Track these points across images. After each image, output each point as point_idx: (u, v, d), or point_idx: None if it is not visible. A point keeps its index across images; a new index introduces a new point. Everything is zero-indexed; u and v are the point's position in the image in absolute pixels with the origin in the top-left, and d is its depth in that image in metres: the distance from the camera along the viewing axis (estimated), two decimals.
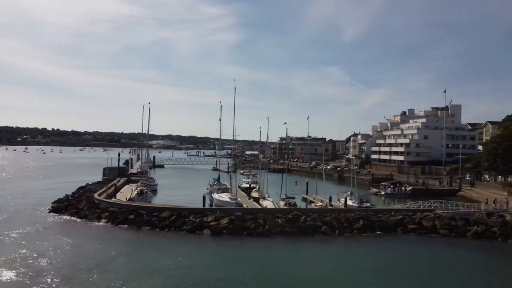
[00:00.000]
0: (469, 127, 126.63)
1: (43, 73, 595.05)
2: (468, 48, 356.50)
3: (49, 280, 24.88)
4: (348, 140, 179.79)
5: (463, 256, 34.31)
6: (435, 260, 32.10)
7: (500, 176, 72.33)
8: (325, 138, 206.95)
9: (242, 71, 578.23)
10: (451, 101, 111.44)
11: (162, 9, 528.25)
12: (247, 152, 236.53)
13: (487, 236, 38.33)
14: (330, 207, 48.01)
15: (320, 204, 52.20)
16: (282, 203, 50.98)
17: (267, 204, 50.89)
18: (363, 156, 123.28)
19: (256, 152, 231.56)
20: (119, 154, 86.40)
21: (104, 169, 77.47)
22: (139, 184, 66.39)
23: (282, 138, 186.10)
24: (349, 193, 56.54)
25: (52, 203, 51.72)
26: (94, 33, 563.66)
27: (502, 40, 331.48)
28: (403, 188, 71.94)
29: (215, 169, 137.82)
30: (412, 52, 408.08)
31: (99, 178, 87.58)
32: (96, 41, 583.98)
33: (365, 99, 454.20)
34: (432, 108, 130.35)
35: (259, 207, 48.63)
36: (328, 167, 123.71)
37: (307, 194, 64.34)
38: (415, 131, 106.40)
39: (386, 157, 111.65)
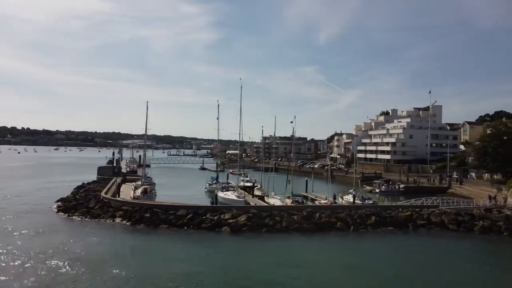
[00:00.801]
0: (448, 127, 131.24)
1: (13, 70, 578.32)
2: (439, 50, 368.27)
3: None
4: (330, 139, 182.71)
5: (475, 249, 36.01)
6: (449, 254, 33.58)
7: (486, 174, 75.54)
8: (306, 138, 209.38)
9: (218, 70, 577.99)
10: (435, 101, 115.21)
11: (139, 6, 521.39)
12: (229, 152, 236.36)
13: (494, 230, 40.22)
14: (334, 205, 49.12)
15: (325, 201, 53.30)
16: (289, 201, 51.91)
17: (274, 202, 51.65)
18: (349, 155, 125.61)
19: (237, 152, 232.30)
20: (113, 154, 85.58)
21: (99, 168, 76.44)
22: (139, 183, 66.16)
23: (265, 138, 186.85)
24: (351, 190, 57.85)
25: (57, 202, 51.16)
26: (68, 30, 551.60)
27: (470, 44, 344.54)
28: (396, 186, 74.09)
29: (202, 168, 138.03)
30: (385, 53, 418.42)
31: (90, 177, 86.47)
32: (70, 38, 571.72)
33: (340, 99, 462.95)
34: (414, 108, 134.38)
35: (267, 204, 49.31)
36: (316, 166, 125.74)
37: (306, 192, 65.54)
38: (400, 131, 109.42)
39: (373, 156, 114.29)
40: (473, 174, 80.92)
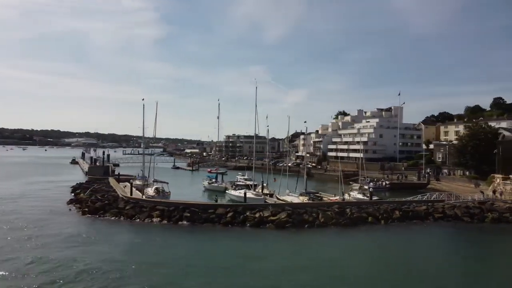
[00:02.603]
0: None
1: None
2: (380, 53, 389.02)
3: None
4: (292, 138, 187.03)
5: (493, 238, 40.55)
6: (473, 242, 38.37)
7: (459, 171, 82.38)
8: (257, 135, 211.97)
9: (165, 67, 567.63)
10: (403, 103, 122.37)
11: None
12: (187, 150, 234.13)
13: (503, 221, 44.99)
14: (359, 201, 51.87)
15: (335, 198, 55.89)
16: (305, 198, 53.87)
17: (292, 199, 53.39)
18: (320, 153, 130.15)
19: (197, 150, 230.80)
20: (103, 153, 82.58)
21: (90, 168, 74.09)
22: (137, 182, 65.25)
23: (228, 136, 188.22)
24: (356, 187, 61.05)
25: (71, 203, 49.67)
26: (1, 19, 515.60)
27: (411, 47, 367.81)
28: (383, 183, 78.63)
29: (175, 168, 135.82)
30: (329, 55, 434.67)
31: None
32: (2, 28, 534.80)
33: (286, 99, 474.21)
34: (378, 109, 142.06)
35: (287, 202, 50.97)
36: (290, 164, 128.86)
37: (305, 189, 67.83)
38: (371, 130, 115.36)
39: (344, 154, 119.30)
40: (445, 171, 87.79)
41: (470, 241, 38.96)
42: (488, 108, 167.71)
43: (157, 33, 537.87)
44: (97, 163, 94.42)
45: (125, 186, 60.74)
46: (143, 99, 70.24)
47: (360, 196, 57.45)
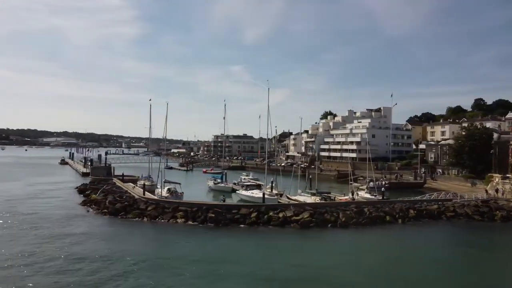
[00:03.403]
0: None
1: None
2: (356, 54, 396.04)
3: None
4: (281, 138, 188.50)
5: (506, 236, 42.37)
6: (488, 240, 39.87)
7: (454, 170, 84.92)
8: (252, 136, 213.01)
9: (145, 66, 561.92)
10: (395, 104, 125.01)
11: None
12: (174, 150, 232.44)
13: None
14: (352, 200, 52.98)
15: (345, 198, 57.02)
16: (317, 198, 54.77)
17: (304, 199, 54.19)
18: (312, 153, 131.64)
19: (183, 150, 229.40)
20: (106, 153, 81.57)
21: (92, 168, 73.10)
22: (142, 182, 65.16)
23: (217, 136, 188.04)
24: (363, 186, 62.32)
25: (86, 205, 49.32)
26: None
27: (382, 48, 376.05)
28: (383, 182, 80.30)
29: (169, 168, 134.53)
30: (308, 55, 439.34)
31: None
32: None
33: (266, 98, 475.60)
34: (367, 109, 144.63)
35: (300, 202, 51.80)
36: (283, 164, 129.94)
37: (310, 189, 68.87)
38: (364, 131, 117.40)
39: (337, 154, 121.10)
40: (440, 171, 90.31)
41: (484, 239, 40.48)
42: (470, 109, 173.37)
43: (137, 31, 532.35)
44: (92, 164, 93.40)
45: (134, 187, 60.51)
46: (150, 100, 70.47)
47: (368, 195, 58.82)
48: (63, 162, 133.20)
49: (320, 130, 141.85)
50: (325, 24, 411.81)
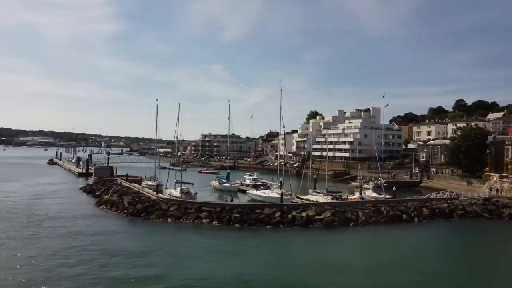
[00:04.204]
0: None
1: None
2: (335, 54, 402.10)
3: None
4: (269, 138, 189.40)
5: None
6: (501, 236, 42.13)
7: (447, 169, 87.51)
8: (239, 136, 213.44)
9: (122, 64, 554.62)
10: (387, 105, 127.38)
11: None
12: (160, 150, 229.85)
13: None
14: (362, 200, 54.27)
15: (355, 197, 58.21)
16: (328, 197, 55.74)
17: (317, 198, 55.05)
18: (304, 153, 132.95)
19: (169, 149, 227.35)
20: (108, 154, 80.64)
21: (96, 169, 72.19)
22: (149, 182, 65.22)
23: (204, 136, 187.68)
24: (370, 186, 63.69)
25: (100, 206, 48.99)
26: None
27: (360, 49, 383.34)
28: (381, 181, 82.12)
29: (162, 168, 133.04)
30: (287, 55, 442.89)
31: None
32: None
33: (247, 97, 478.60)
34: (356, 109, 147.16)
35: (313, 201, 52.68)
36: (276, 163, 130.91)
37: (314, 188, 69.88)
38: (356, 131, 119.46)
39: (330, 154, 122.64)
40: (433, 170, 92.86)
41: (497, 235, 42.36)
42: (451, 110, 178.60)
43: (115, 29, 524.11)
44: (88, 164, 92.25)
45: (143, 187, 60.27)
46: (157, 100, 70.12)
47: (375, 194, 60.17)
48: (52, 162, 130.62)
49: (311, 130, 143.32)
50: (304, 24, 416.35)
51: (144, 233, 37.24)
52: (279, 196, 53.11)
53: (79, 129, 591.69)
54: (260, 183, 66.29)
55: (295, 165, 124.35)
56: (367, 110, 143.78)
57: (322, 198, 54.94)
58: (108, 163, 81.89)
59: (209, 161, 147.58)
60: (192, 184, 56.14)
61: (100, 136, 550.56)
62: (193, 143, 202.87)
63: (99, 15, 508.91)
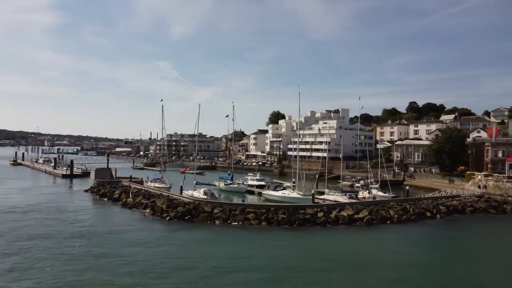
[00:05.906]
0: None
1: None
2: (282, 54, 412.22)
3: None
4: (238, 137, 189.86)
5: None
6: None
7: (427, 169, 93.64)
8: (206, 135, 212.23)
9: (62, 58, 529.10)
10: (362, 107, 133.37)
11: None
12: (118, 149, 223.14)
13: None
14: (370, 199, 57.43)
15: (368, 196, 61.02)
16: (345, 197, 58.19)
17: (335, 198, 57.24)
18: (279, 153, 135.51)
19: (129, 149, 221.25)
20: (108, 154, 77.78)
21: (96, 170, 69.46)
22: (156, 184, 64.55)
23: (170, 135, 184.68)
24: (376, 185, 66.97)
25: (131, 209, 48.19)
26: None
27: (306, 50, 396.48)
28: (369, 181, 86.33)
29: (141, 168, 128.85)
30: (235, 54, 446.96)
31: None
32: None
33: (194, 96, 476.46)
34: (326, 110, 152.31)
35: (331, 201, 54.92)
36: (254, 163, 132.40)
37: (317, 188, 72.31)
38: (333, 131, 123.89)
39: (307, 154, 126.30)
40: (412, 169, 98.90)
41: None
42: (404, 111, 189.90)
43: (51, 20, 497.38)
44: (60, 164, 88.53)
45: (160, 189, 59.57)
46: (161, 100, 69.16)
47: (381, 193, 63.55)
48: (16, 163, 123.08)
49: (283, 130, 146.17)
50: (252, 24, 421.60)
51: (215, 239, 36.96)
52: (301, 196, 54.95)
53: (15, 126, 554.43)
54: (279, 183, 66.70)
55: (274, 164, 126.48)
56: (336, 111, 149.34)
57: (341, 198, 57.36)
58: (107, 165, 78.97)
59: (182, 161, 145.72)
60: (214, 185, 56.31)
61: (40, 134, 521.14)
62: (158, 143, 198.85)
63: (33, 5, 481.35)
